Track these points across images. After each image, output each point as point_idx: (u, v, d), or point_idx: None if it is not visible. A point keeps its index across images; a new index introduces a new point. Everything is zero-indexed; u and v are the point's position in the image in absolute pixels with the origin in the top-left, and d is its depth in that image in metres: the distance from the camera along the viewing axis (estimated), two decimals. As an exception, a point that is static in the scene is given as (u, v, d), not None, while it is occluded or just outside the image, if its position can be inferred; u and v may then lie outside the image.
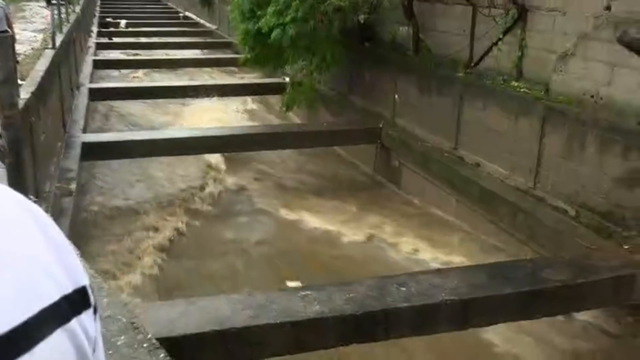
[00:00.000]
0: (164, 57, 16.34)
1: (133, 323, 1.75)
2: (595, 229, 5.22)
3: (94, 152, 7.57)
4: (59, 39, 8.53)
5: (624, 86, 5.20)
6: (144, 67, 15.52)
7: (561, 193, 5.74)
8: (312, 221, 7.44)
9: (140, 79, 14.90)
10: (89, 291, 0.52)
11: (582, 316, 4.62)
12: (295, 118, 11.59)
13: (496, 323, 4.10)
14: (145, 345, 1.62)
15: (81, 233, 6.55)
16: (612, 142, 5.22)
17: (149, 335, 1.68)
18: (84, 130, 8.40)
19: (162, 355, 1.58)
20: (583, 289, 4.19)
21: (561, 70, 5.91)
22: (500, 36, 6.68)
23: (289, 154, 9.92)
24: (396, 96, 8.77)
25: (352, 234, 7.06)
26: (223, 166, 9.20)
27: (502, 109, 6.60)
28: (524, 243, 5.64)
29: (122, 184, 8.27)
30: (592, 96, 5.52)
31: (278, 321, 3.65)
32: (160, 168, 8.91)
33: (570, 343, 4.66)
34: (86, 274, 0.53)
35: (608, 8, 5.40)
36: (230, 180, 8.82)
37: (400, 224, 7.28)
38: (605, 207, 5.25)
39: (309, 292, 4.00)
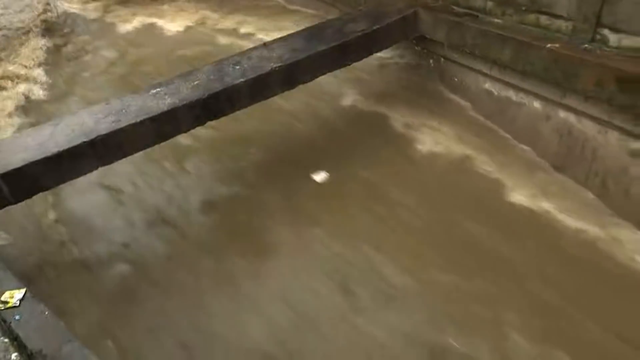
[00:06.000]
0: None
1: None
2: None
3: None
4: None
5: None
6: None
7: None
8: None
9: None
10: None
11: (384, 54, 5.23)
12: None
13: (318, 76, 4.52)
14: None
15: None
16: None
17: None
18: None
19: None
20: (379, 32, 4.65)
21: None
22: None
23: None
24: None
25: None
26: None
27: None
28: (332, 5, 5.94)
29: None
30: None
31: (138, 120, 3.81)
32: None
33: (386, 72, 5.36)
34: None
35: None
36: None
37: (231, 14, 7.30)
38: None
39: (158, 89, 4.15)
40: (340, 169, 4.37)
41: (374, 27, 4.63)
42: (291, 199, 4.17)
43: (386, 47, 4.86)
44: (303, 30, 4.78)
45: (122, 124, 3.82)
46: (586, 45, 3.83)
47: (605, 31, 3.75)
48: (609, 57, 3.66)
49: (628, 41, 3.63)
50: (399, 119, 4.80)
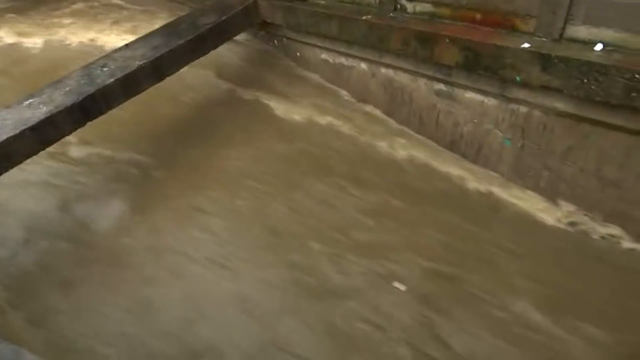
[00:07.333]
0: None
1: None
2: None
3: None
4: None
5: None
6: None
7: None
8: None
9: None
10: None
11: (236, 40, 5.78)
12: None
13: (182, 67, 4.93)
14: None
15: None
16: None
17: None
18: None
19: None
20: (228, 23, 5.18)
21: None
22: None
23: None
24: None
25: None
26: None
27: None
28: (183, 4, 6.33)
29: None
30: None
31: (18, 131, 3.92)
32: None
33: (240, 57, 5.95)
34: None
35: None
36: None
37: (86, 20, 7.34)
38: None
39: (31, 100, 4.27)
40: (208, 147, 4.91)
41: (222, 18, 5.15)
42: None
43: (236, 35, 5.40)
44: (159, 28, 5.15)
45: (2, 138, 3.93)
46: (391, 14, 4.67)
47: (403, 1, 4.61)
48: (408, 21, 4.49)
49: (420, 7, 4.50)
50: (255, 93, 5.43)
